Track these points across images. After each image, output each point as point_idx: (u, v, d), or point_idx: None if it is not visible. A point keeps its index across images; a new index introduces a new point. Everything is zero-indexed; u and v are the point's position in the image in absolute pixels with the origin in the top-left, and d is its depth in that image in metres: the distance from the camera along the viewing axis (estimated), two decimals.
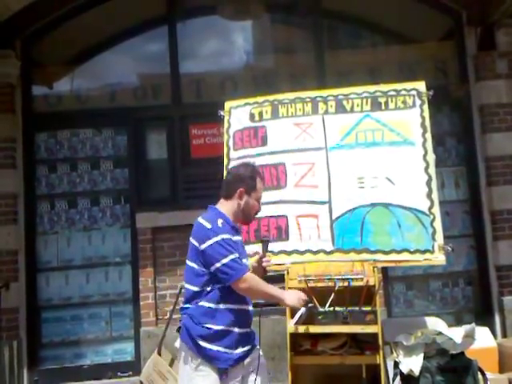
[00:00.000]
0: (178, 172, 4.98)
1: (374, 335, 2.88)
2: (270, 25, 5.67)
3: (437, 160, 3.31)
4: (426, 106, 3.30)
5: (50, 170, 5.07)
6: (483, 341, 3.96)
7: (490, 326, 4.54)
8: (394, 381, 2.81)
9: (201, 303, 2.39)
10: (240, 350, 2.41)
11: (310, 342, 3.00)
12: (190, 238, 2.47)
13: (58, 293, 4.89)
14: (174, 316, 4.52)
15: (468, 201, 5.13)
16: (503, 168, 4.91)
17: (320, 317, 2.93)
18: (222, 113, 3.60)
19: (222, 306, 2.40)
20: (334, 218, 3.17)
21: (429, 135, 3.22)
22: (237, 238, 2.51)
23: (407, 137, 3.26)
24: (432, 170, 3.15)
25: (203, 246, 2.39)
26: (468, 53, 5.18)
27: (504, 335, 4.72)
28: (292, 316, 2.96)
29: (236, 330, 2.41)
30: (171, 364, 4.30)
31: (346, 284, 2.94)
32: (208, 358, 2.35)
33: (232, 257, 2.37)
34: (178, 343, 2.48)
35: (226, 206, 2.54)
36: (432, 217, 3.05)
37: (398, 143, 3.25)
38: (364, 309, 2.92)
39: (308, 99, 3.48)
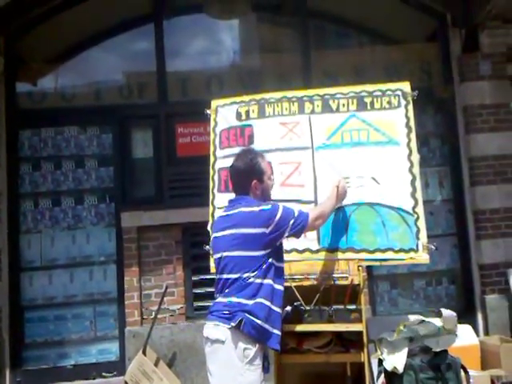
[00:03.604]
0: (164, 171, 4.95)
1: (359, 333, 2.91)
2: (256, 24, 5.68)
3: (421, 160, 3.34)
4: (410, 107, 3.32)
5: (34, 168, 5.01)
6: (466, 338, 4.02)
7: (472, 323, 4.60)
8: (378, 378, 2.83)
9: (266, 281, 2.46)
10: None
11: (295, 340, 3.01)
12: (237, 230, 2.51)
13: (41, 292, 4.83)
14: (159, 316, 4.53)
15: (452, 200, 5.20)
16: (486, 168, 4.98)
17: (306, 315, 2.94)
18: (208, 111, 3.59)
19: (279, 287, 2.53)
20: None
21: (413, 135, 3.24)
22: None
23: (392, 137, 3.27)
24: (416, 170, 3.17)
25: (272, 226, 2.49)
26: (452, 54, 5.25)
27: (486, 333, 4.79)
28: None
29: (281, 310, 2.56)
30: (156, 364, 4.29)
31: (331, 283, 2.97)
32: (265, 339, 2.44)
33: (297, 208, 2.67)
34: (214, 334, 2.44)
35: (252, 197, 2.64)
36: (416, 216, 3.07)
37: (383, 143, 3.27)
38: (349, 307, 2.94)
39: (294, 99, 3.47)
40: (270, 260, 2.50)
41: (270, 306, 2.46)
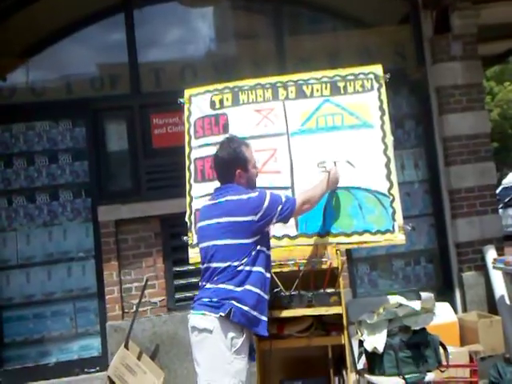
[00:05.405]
0: (140, 163, 4.87)
1: (339, 316, 2.93)
2: (229, 11, 5.60)
3: (396, 142, 3.37)
4: (383, 89, 3.34)
5: (6, 165, 4.88)
6: (444, 316, 4.09)
7: (450, 301, 4.70)
8: (359, 359, 2.87)
9: (255, 269, 2.47)
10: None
11: (276, 326, 3.02)
12: (225, 218, 2.51)
13: (19, 291, 4.74)
14: (141, 309, 4.50)
15: (427, 181, 5.25)
16: (460, 148, 5.03)
17: (286, 301, 2.95)
18: (181, 100, 3.54)
19: (268, 274, 2.56)
20: None
21: (387, 118, 3.26)
22: None
23: (366, 120, 3.29)
24: (390, 152, 3.19)
25: (260, 214, 2.50)
26: (424, 36, 5.28)
27: (464, 310, 4.88)
28: None
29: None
30: (139, 357, 4.27)
31: (310, 267, 2.98)
32: (254, 326, 2.45)
33: (284, 194, 2.72)
34: (202, 323, 2.43)
35: (237, 185, 2.64)
36: (391, 198, 3.10)
37: (357, 126, 3.28)
38: (328, 291, 2.96)
39: (268, 85, 3.46)
40: (259, 247, 2.51)
41: (259, 293, 2.47)
